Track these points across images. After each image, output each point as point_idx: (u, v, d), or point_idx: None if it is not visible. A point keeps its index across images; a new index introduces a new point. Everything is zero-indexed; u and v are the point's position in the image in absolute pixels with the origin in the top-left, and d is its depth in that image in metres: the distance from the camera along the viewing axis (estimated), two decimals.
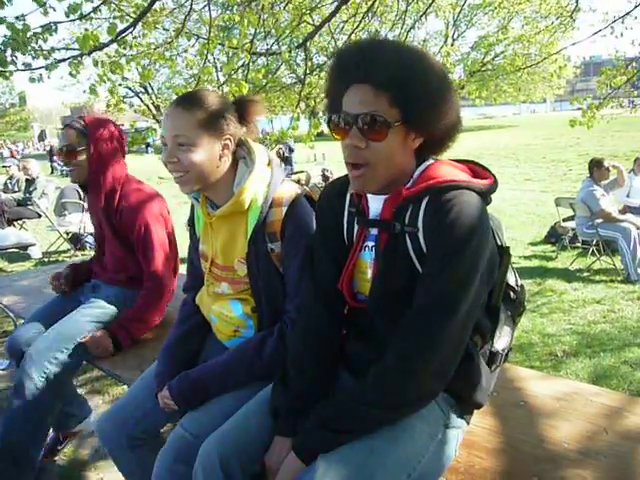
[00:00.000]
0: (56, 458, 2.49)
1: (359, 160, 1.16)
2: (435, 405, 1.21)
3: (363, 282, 1.29)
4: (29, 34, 2.63)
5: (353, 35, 4.63)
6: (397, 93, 1.11)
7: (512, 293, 1.30)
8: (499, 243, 1.27)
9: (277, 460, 1.22)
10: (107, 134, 2.17)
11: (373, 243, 1.26)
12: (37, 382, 1.95)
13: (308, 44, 4.06)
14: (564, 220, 6.35)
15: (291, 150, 14.02)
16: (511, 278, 1.31)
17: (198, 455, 1.27)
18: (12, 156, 18.98)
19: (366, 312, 1.29)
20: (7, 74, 2.81)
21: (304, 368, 1.32)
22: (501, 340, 1.27)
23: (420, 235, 1.16)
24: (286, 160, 13.15)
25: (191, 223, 1.73)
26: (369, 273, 1.27)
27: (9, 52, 2.66)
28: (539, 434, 1.39)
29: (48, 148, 27.16)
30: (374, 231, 1.26)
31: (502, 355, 1.27)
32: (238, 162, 1.54)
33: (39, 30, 2.73)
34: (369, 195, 1.27)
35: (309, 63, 4.07)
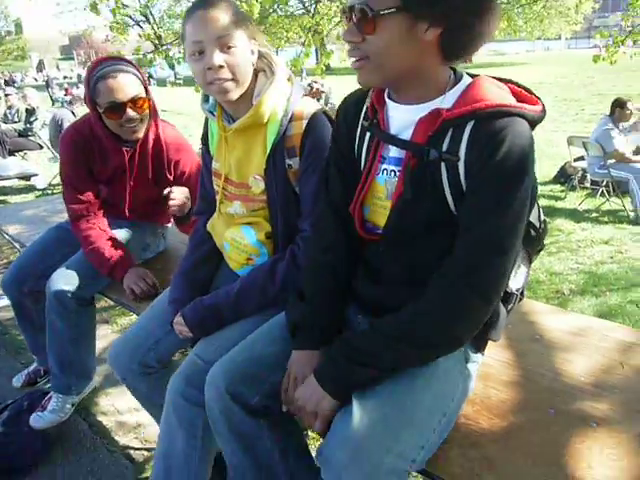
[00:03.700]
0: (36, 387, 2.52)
1: (356, 55, 1.05)
2: None
3: (377, 209, 1.19)
4: None
5: None
6: None
7: (532, 230, 1.21)
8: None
9: (300, 372, 1.21)
10: (145, 77, 1.97)
11: (394, 167, 1.14)
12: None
13: None
14: (575, 160, 6.24)
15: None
16: (533, 214, 1.21)
17: (206, 381, 1.28)
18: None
19: (377, 245, 1.20)
20: None
21: (321, 285, 1.29)
22: (515, 280, 1.20)
23: (460, 165, 1.04)
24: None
25: (204, 141, 1.66)
26: (386, 200, 1.16)
27: None
28: (555, 367, 1.39)
29: (46, 78, 26.44)
30: (395, 152, 1.14)
31: (517, 295, 1.22)
32: (258, 74, 1.46)
33: None
34: (391, 104, 1.14)
35: None
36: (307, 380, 1.16)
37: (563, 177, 6.51)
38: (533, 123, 1.05)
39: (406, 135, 1.11)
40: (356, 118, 1.24)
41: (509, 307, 1.22)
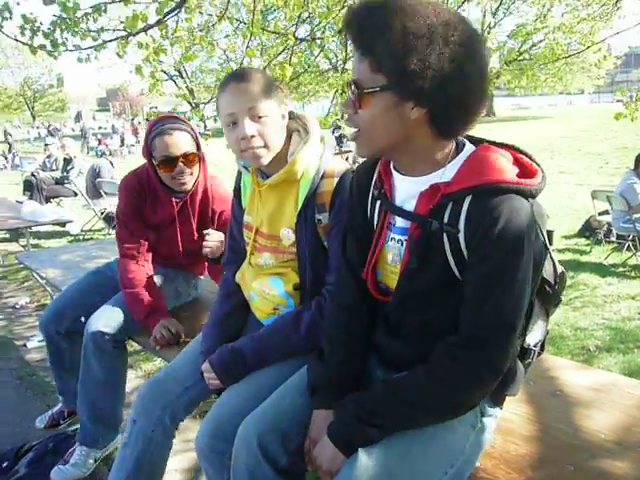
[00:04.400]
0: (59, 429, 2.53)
1: (351, 125, 1.12)
2: None
3: (388, 274, 1.25)
4: (79, 14, 2.69)
5: None
6: (376, 57, 1.03)
7: (547, 287, 1.23)
8: (542, 240, 1.16)
9: (318, 432, 1.25)
10: (199, 135, 2.13)
11: (401, 236, 1.20)
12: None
13: None
14: (599, 214, 6.22)
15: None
16: (548, 270, 1.23)
17: (237, 435, 1.30)
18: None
19: (392, 305, 1.26)
20: (56, 54, 2.89)
21: (339, 342, 1.34)
22: (532, 335, 1.22)
23: (461, 237, 1.08)
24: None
25: (236, 194, 1.75)
26: (395, 266, 1.22)
27: (58, 33, 2.73)
28: (575, 423, 1.40)
29: (82, 129, 27.55)
30: (401, 222, 1.20)
31: (534, 350, 1.24)
32: (292, 134, 1.56)
33: (89, 10, 2.79)
34: (396, 176, 1.20)
35: (348, 49, 4.05)
36: (323, 439, 1.21)
37: (588, 231, 6.48)
38: (532, 196, 1.09)
39: (410, 206, 1.17)
40: (367, 187, 1.31)
41: (527, 362, 1.24)
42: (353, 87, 1.08)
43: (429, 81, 0.99)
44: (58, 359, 2.40)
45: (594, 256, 5.83)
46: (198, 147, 2.06)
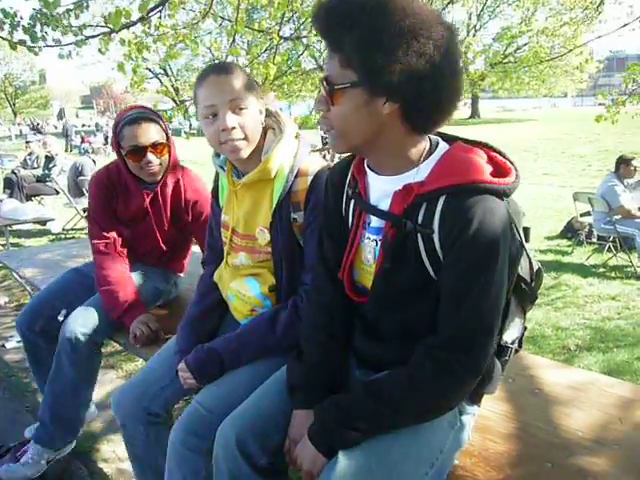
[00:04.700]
0: None
1: (323, 123, 1.12)
2: None
3: (364, 273, 1.25)
4: (61, 10, 2.66)
5: None
6: (345, 53, 1.02)
7: (523, 284, 1.21)
8: (518, 238, 1.14)
9: (298, 432, 1.24)
10: (168, 126, 2.11)
11: (376, 236, 1.19)
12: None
13: None
14: (581, 215, 6.30)
15: None
16: (524, 267, 1.20)
17: (216, 437, 1.30)
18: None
19: (368, 305, 1.25)
20: (37, 49, 2.85)
21: (316, 342, 1.33)
22: (509, 332, 1.22)
23: (435, 237, 1.08)
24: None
25: (214, 194, 1.74)
26: (371, 264, 1.21)
27: (38, 27, 2.70)
28: (553, 422, 1.40)
29: (65, 126, 27.24)
30: (376, 221, 1.19)
31: (511, 348, 1.24)
32: (267, 131, 1.55)
33: (71, 7, 2.75)
34: (370, 175, 1.19)
35: None
36: (303, 439, 1.20)
37: (570, 232, 6.56)
38: (506, 195, 1.08)
39: (385, 205, 1.16)
40: (341, 186, 1.30)
41: (504, 360, 1.24)
42: (325, 84, 1.07)
43: (397, 75, 0.99)
44: (36, 358, 2.34)
45: (576, 257, 5.90)
46: (167, 137, 2.05)
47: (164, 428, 1.62)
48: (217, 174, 1.71)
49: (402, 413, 1.12)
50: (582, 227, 6.28)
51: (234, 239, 1.62)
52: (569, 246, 6.26)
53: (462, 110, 40.80)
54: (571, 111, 42.34)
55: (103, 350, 2.20)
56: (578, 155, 15.23)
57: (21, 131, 29.02)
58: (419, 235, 1.10)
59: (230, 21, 3.40)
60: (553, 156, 15.39)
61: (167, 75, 25.61)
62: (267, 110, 1.56)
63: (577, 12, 7.64)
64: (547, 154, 15.90)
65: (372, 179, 1.20)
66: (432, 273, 1.12)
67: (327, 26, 1.05)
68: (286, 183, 1.50)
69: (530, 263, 1.22)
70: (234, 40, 3.41)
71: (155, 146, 2.00)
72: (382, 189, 1.17)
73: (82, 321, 2.02)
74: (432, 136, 1.17)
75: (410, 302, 1.17)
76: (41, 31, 2.78)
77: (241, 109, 1.43)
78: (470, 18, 29.22)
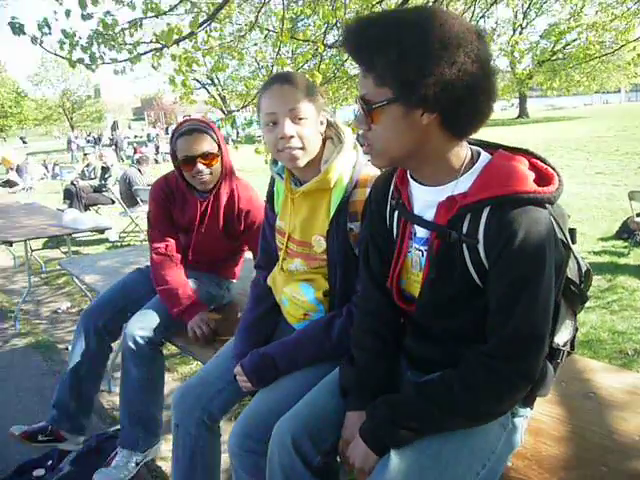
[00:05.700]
0: (34, 444, 2.32)
1: (364, 141, 1.14)
2: None
3: (411, 282, 1.27)
4: (117, 29, 2.81)
5: None
6: (378, 72, 1.04)
7: (572, 286, 1.21)
8: (565, 241, 1.17)
9: (350, 433, 1.28)
10: (222, 137, 2.20)
11: (422, 246, 1.21)
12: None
13: None
14: (637, 215, 6.07)
15: None
16: (572, 269, 1.21)
17: (272, 436, 1.34)
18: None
19: (416, 313, 1.28)
20: (94, 67, 3.01)
21: (365, 347, 1.36)
22: (561, 335, 1.22)
23: (480, 247, 1.09)
24: None
25: (269, 199, 1.79)
26: (418, 274, 1.24)
27: (95, 46, 2.85)
28: (608, 425, 1.38)
29: (115, 138, 28.18)
30: (422, 232, 1.21)
31: (563, 350, 1.24)
32: (326, 141, 1.58)
33: (126, 26, 2.90)
34: (414, 185, 1.21)
35: None
36: (356, 439, 1.23)
37: (626, 233, 6.31)
38: (550, 203, 1.08)
39: (429, 215, 1.18)
40: (385, 197, 1.32)
41: (556, 362, 1.24)
42: (362, 103, 1.10)
43: (432, 87, 1.01)
44: (79, 361, 2.30)
45: (632, 258, 5.69)
46: (219, 148, 2.13)
47: (213, 437, 1.70)
48: (272, 179, 1.76)
49: (453, 416, 1.14)
50: (639, 227, 6.04)
51: (290, 245, 1.66)
52: (625, 247, 6.03)
53: (510, 110, 39.91)
54: (624, 107, 40.71)
55: None
56: (633, 152, 14.62)
57: (78, 145, 30.09)
58: (464, 245, 1.12)
59: (275, 32, 3.49)
60: (606, 154, 14.83)
61: (214, 85, 26.21)
62: (328, 121, 1.59)
63: (629, 5, 7.37)
64: (600, 152, 15.34)
65: (415, 190, 1.22)
66: (478, 282, 1.13)
67: (357, 49, 1.09)
68: (345, 193, 1.53)
69: (578, 265, 1.22)
70: (279, 50, 3.49)
71: (205, 156, 2.09)
72: (425, 199, 1.20)
73: (141, 324, 2.12)
74: (473, 147, 1.18)
75: (458, 310, 1.19)
76: (98, 50, 2.94)
77: (300, 119, 1.48)
78: (516, 16, 28.62)
